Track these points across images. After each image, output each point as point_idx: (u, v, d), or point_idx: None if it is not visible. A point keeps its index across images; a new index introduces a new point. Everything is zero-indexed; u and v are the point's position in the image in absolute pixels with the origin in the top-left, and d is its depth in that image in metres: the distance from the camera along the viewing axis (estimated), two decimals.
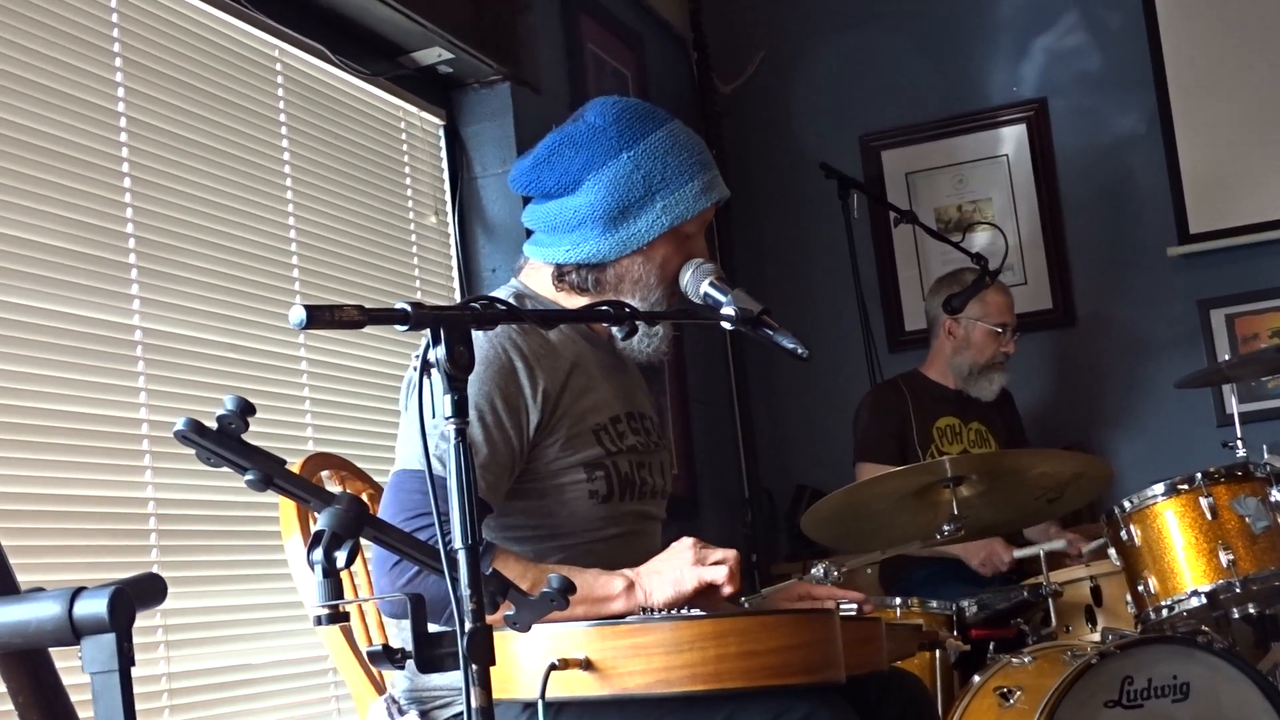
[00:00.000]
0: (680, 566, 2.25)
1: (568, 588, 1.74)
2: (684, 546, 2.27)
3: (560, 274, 2.54)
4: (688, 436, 5.28)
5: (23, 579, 1.71)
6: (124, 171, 3.04)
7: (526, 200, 2.64)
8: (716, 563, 2.23)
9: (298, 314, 1.62)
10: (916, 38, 5.82)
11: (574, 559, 2.36)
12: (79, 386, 2.83)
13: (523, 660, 2.02)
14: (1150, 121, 5.48)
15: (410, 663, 1.68)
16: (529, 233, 2.63)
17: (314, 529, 1.65)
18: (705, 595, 2.23)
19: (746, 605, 2.62)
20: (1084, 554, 4.24)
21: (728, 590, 2.22)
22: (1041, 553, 3.89)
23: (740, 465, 5.67)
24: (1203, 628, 3.67)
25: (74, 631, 1.42)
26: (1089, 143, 5.61)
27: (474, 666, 1.63)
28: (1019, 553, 4.33)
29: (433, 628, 1.70)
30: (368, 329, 2.79)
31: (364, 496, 2.64)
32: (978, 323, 4.69)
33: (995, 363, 4.73)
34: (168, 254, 3.12)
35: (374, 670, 2.51)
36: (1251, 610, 3.67)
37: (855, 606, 2.49)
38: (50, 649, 1.64)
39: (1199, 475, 3.60)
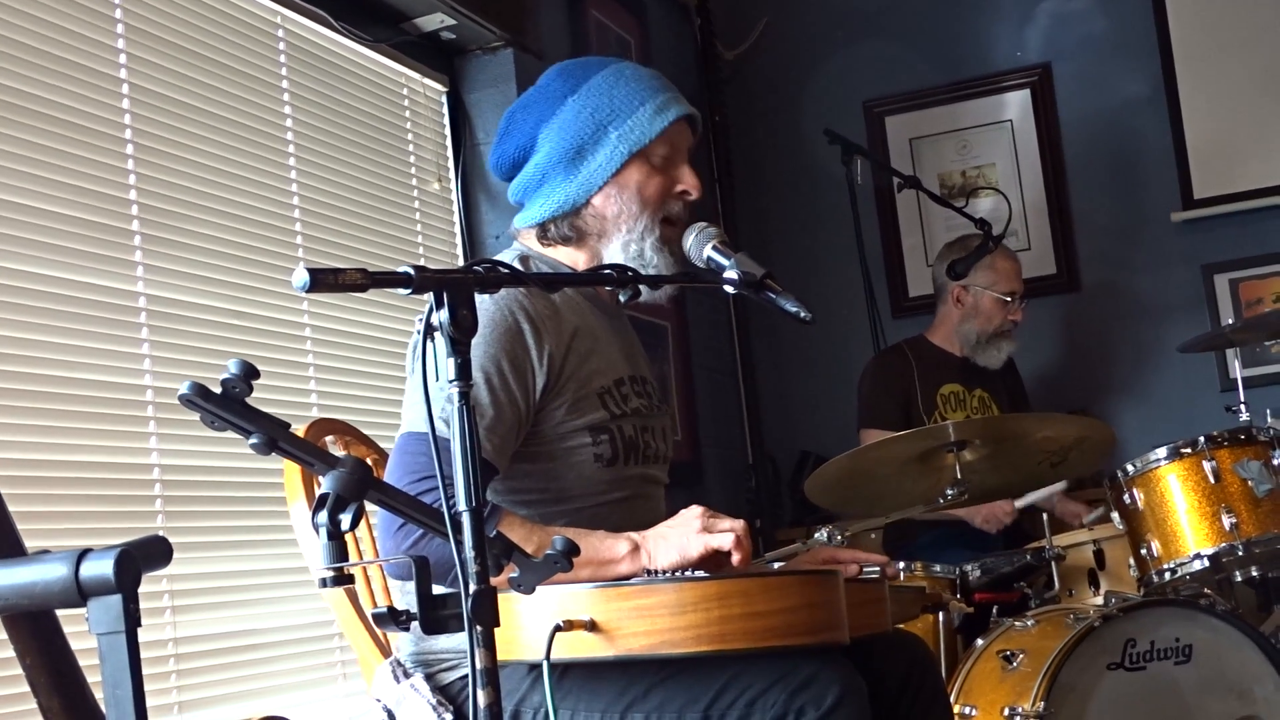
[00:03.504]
0: (687, 533, 2.25)
1: (571, 550, 1.75)
2: (692, 514, 2.27)
3: (544, 233, 2.55)
4: (692, 402, 5.29)
5: (29, 544, 1.72)
6: (126, 138, 3.03)
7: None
8: (725, 529, 2.24)
9: (301, 277, 1.62)
10: (920, 3, 5.80)
11: (579, 522, 2.37)
12: (83, 353, 2.83)
13: (527, 622, 2.03)
14: (1155, 86, 5.46)
15: (415, 625, 1.68)
16: None
17: (318, 492, 1.65)
18: (711, 562, 2.24)
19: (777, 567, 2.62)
20: (1085, 522, 4.25)
21: (736, 559, 2.23)
22: (1042, 503, 3.89)
23: (744, 431, 5.69)
24: (1205, 590, 3.68)
25: (80, 593, 1.42)
26: (1093, 108, 5.59)
27: (479, 628, 1.63)
28: (1020, 502, 4.34)
29: (438, 590, 1.70)
30: (371, 294, 2.79)
31: (368, 461, 2.64)
32: (986, 290, 4.68)
33: (1003, 331, 4.72)
34: (171, 220, 3.12)
35: (379, 633, 2.52)
36: (1254, 573, 3.68)
37: (878, 570, 2.51)
38: (57, 611, 1.65)
39: (1202, 439, 3.62)
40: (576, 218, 2.52)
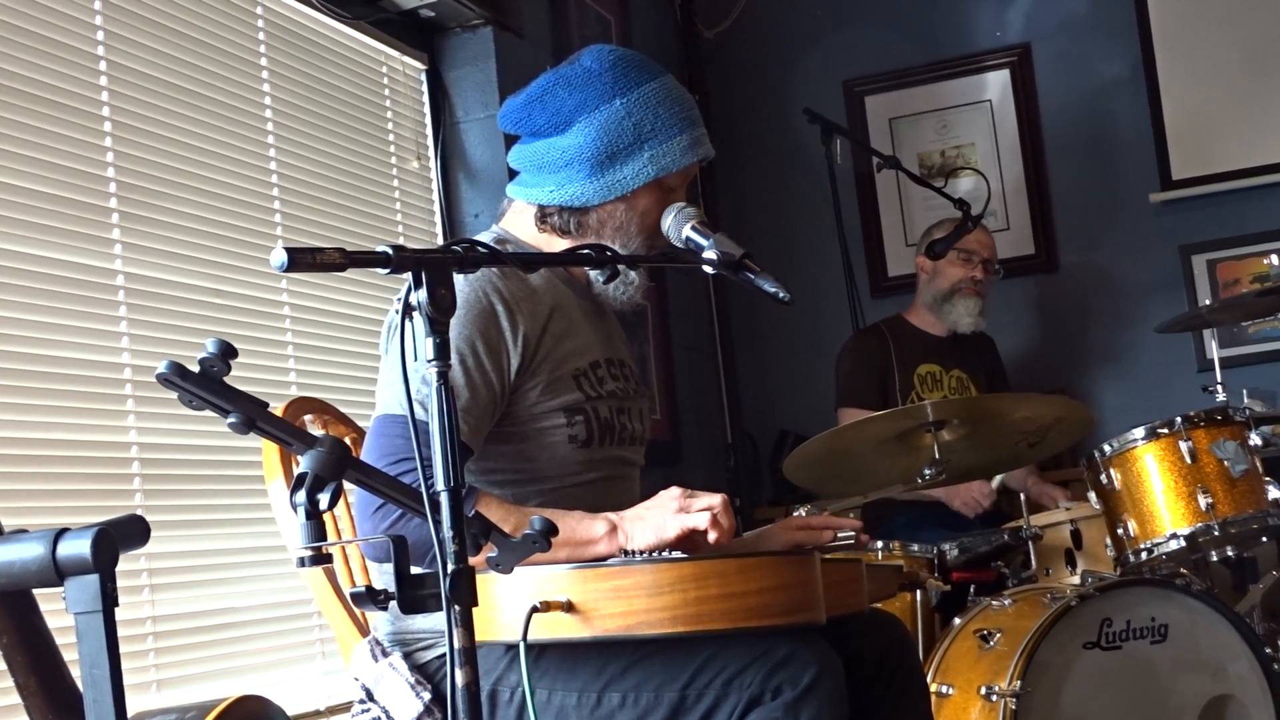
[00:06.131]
0: (664, 514, 2.25)
1: (549, 530, 1.75)
2: (670, 495, 2.28)
3: (543, 215, 2.54)
4: (671, 382, 5.29)
5: (6, 523, 1.72)
6: (104, 116, 3.02)
7: (512, 140, 2.63)
8: (703, 509, 2.24)
9: (279, 256, 1.62)
10: None
11: (554, 503, 2.37)
12: (61, 331, 2.82)
13: (504, 603, 2.03)
14: (1134, 67, 5.47)
15: (393, 604, 1.68)
16: (512, 175, 2.63)
17: (297, 472, 1.65)
18: (689, 543, 2.24)
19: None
20: (1060, 505, 4.26)
21: (712, 537, 2.23)
22: (1016, 484, 3.90)
23: (723, 410, 5.69)
24: (1181, 570, 3.70)
25: (58, 572, 1.43)
26: (1073, 88, 5.60)
27: (456, 608, 1.64)
28: (997, 481, 4.36)
29: (415, 570, 1.71)
30: (350, 273, 2.80)
31: (347, 440, 2.64)
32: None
33: (962, 288, 4.72)
34: (149, 199, 3.11)
35: (357, 613, 2.53)
36: (1229, 553, 3.69)
37: (852, 535, 2.51)
38: (35, 590, 1.65)
39: (1179, 419, 3.62)
40: (584, 215, 2.52)
